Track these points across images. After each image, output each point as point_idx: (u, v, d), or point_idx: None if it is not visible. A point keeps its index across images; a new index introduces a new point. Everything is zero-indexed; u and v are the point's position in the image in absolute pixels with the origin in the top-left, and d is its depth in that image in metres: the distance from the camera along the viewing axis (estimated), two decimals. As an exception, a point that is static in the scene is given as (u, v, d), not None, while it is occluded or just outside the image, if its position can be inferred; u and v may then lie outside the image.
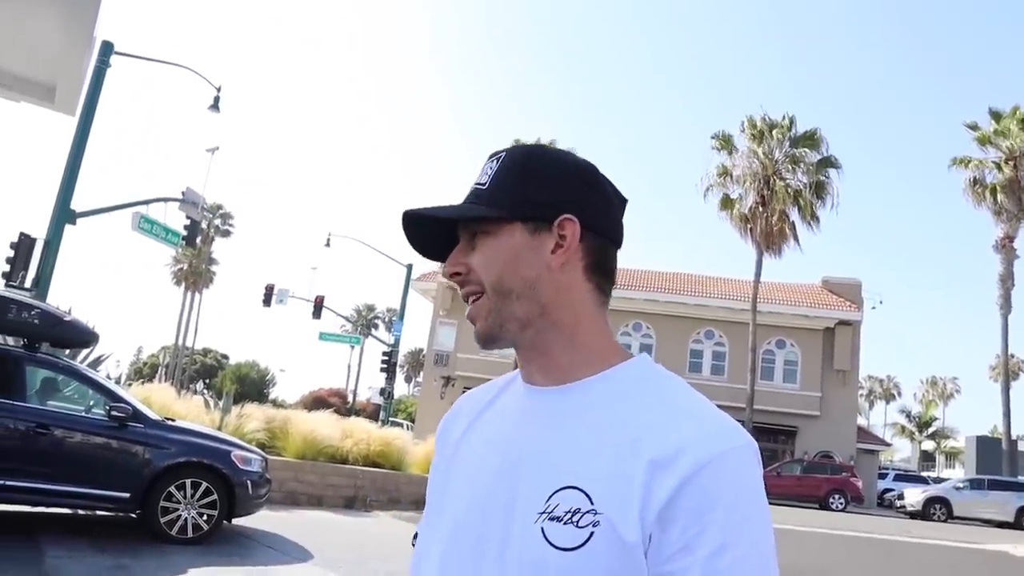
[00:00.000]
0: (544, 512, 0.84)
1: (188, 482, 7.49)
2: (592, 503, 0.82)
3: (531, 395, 0.95)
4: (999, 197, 29.63)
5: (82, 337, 8.43)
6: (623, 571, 0.80)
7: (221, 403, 11.88)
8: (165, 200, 19.49)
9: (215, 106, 20.46)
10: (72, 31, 7.07)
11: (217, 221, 55.06)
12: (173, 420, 8.23)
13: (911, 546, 14.67)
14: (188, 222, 20.30)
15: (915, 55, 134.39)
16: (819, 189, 28.67)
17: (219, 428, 10.50)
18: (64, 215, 14.89)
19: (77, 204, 15.37)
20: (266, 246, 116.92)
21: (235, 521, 8.17)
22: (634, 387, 0.90)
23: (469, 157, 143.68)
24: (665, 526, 0.79)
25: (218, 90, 20.30)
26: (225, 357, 68.46)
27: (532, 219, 0.92)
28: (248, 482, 7.85)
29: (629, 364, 0.93)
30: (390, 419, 30.19)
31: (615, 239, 0.97)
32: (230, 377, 60.07)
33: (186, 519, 7.43)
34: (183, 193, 19.82)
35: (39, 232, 15.08)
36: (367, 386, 69.25)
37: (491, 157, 0.99)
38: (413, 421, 41.24)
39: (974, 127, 30.80)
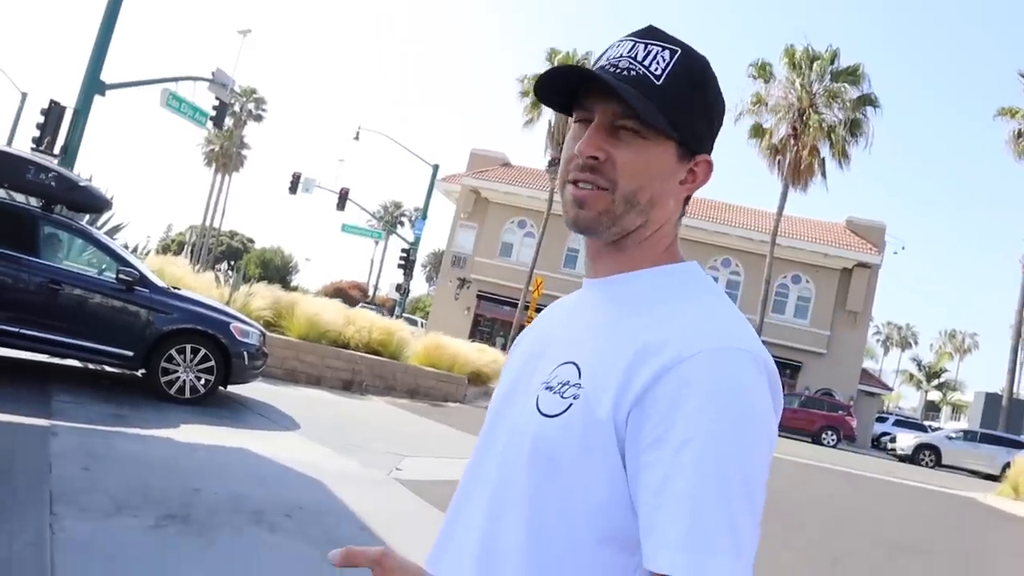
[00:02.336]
0: (545, 382, 0.89)
1: (188, 347, 7.98)
2: (580, 377, 0.86)
3: (586, 288, 0.99)
4: (1042, 152, 28.88)
5: (96, 203, 8.81)
6: (590, 444, 0.82)
7: (231, 280, 12.35)
8: (195, 79, 19.61)
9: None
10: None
11: (251, 105, 54.99)
12: (179, 289, 8.68)
13: (881, 483, 15.15)
14: (217, 103, 20.51)
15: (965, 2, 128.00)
16: (854, 127, 28.08)
17: (227, 303, 10.99)
18: (93, 85, 15.15)
19: (108, 76, 15.63)
20: (297, 134, 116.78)
21: (232, 388, 8.71)
22: (667, 286, 0.92)
23: (502, 56, 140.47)
24: (643, 415, 0.79)
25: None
26: (251, 241, 69.57)
27: (685, 145, 0.93)
28: (245, 353, 8.33)
29: (676, 266, 0.95)
30: (404, 315, 30.85)
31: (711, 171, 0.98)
32: (254, 261, 61.21)
33: (184, 381, 7.96)
34: (213, 74, 19.93)
35: (70, 102, 15.43)
36: (388, 282, 70.22)
37: (655, 37, 0.94)
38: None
39: (1026, 77, 29.76)
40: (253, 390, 9.14)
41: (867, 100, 28.31)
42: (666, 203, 0.94)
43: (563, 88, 0.95)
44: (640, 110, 0.88)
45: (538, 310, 30.86)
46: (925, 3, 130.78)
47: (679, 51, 0.92)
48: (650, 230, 0.94)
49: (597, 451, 0.82)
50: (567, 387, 0.86)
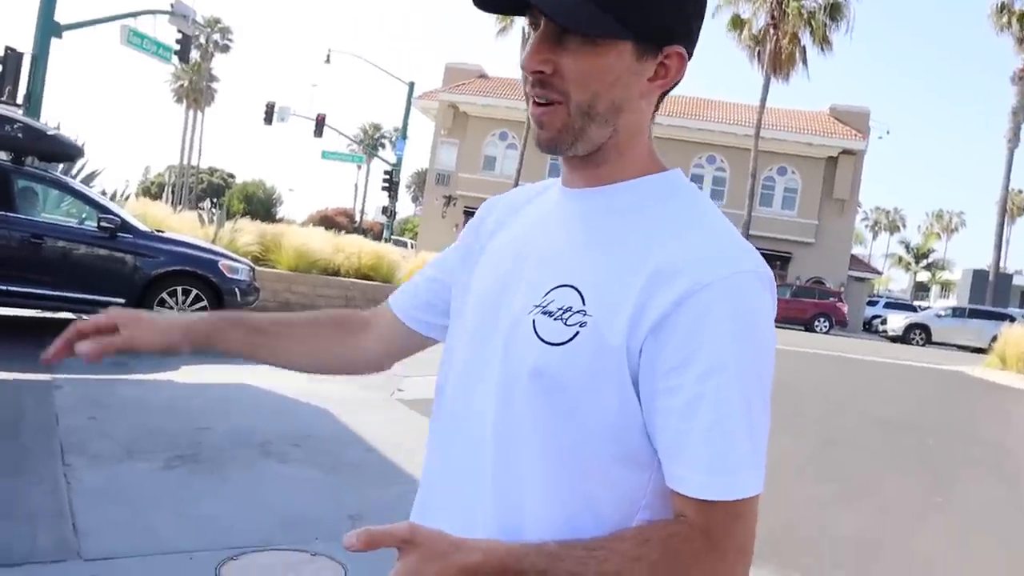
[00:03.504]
0: (539, 306, 0.85)
1: (179, 289, 8.01)
2: (584, 304, 0.82)
3: (563, 196, 0.94)
4: (1024, 24, 28.44)
5: (67, 151, 8.68)
6: (601, 372, 0.81)
7: (215, 218, 12.29)
8: (154, 13, 19.00)
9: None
10: None
11: (216, 36, 53.46)
12: (163, 232, 8.65)
13: (872, 364, 15.53)
14: (180, 36, 19.94)
15: None
16: (834, 11, 27.54)
17: (213, 241, 10.96)
18: (48, 27, 14.68)
19: (62, 17, 15.11)
20: (267, 62, 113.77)
21: (227, 326, 8.79)
22: (657, 197, 0.88)
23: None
24: (660, 341, 0.79)
25: None
26: (231, 176, 68.68)
27: (645, 40, 0.83)
28: (236, 289, 8.37)
29: (659, 176, 0.90)
30: (393, 237, 30.82)
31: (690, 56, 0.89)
32: (237, 196, 60.54)
33: (179, 323, 8.01)
34: (172, 5, 19.30)
35: (26, 48, 14.93)
36: (374, 206, 69.80)
37: None
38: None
39: (1007, -56, 29.02)
40: (249, 326, 9.22)
41: (846, -19, 27.67)
42: (634, 107, 0.87)
43: None
44: (562, 21, 0.80)
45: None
46: None
47: None
48: (624, 137, 0.88)
49: (609, 377, 0.81)
50: (570, 313, 0.83)
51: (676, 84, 0.89)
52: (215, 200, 58.04)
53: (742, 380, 0.79)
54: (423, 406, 6.67)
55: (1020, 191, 69.95)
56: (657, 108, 0.91)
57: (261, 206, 60.96)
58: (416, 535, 0.76)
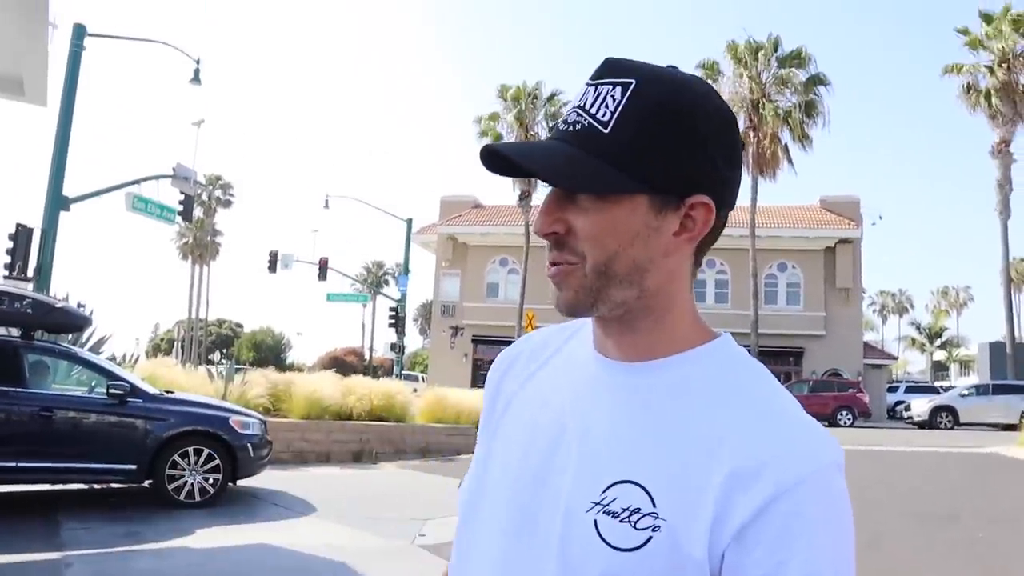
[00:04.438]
0: (599, 504, 0.75)
1: (191, 449, 7.91)
2: (654, 505, 0.73)
3: (601, 367, 0.84)
4: (993, 101, 29.26)
5: (75, 322, 8.79)
6: None
7: (224, 372, 12.30)
8: (157, 178, 19.70)
9: (196, 79, 20.54)
10: (25, 21, 7.24)
11: (217, 192, 55.21)
12: (172, 392, 8.62)
13: (903, 455, 15.09)
14: (182, 197, 20.60)
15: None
16: (809, 108, 28.46)
17: (223, 397, 10.92)
18: (57, 202, 15.16)
19: (70, 190, 15.65)
20: (269, 213, 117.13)
21: (241, 482, 8.61)
22: (714, 375, 0.79)
23: (464, 105, 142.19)
24: (746, 548, 0.71)
25: (197, 62, 20.36)
26: (239, 326, 69.38)
27: (662, 192, 0.76)
28: (248, 445, 8.26)
29: (712, 346, 0.82)
30: (403, 372, 30.76)
31: (730, 205, 0.81)
32: (246, 345, 61.00)
33: (192, 484, 7.86)
34: (174, 169, 20.03)
35: (35, 222, 15.40)
36: (383, 342, 70.05)
37: (610, 72, 0.78)
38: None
39: (964, 31, 30.29)
40: (264, 479, 9.04)
41: (817, 80, 28.74)
42: (661, 265, 0.78)
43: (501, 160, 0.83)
44: (555, 181, 0.76)
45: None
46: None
47: (633, 84, 0.76)
48: (656, 300, 0.80)
49: None
50: (639, 516, 0.73)
51: (712, 238, 0.81)
52: (224, 351, 58.38)
53: None
54: (445, 551, 6.44)
55: (1022, 259, 70.27)
56: (698, 264, 0.83)
57: (271, 352, 61.27)
58: None
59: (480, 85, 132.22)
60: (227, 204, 56.73)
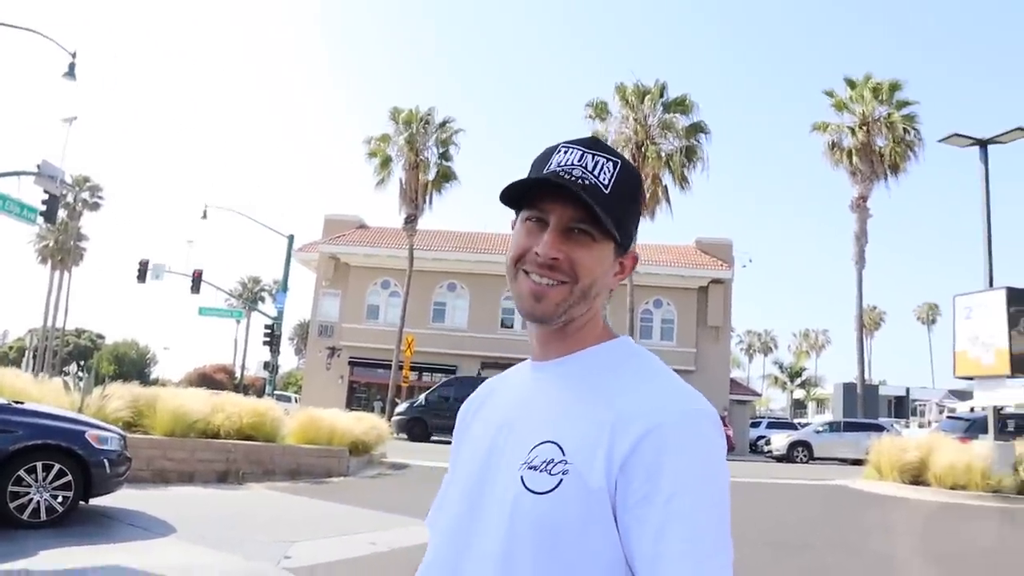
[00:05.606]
0: (525, 463, 0.98)
1: (39, 464, 7.37)
2: (564, 454, 0.96)
3: (535, 369, 1.12)
4: (854, 159, 31.46)
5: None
6: (587, 512, 0.93)
7: (81, 384, 11.55)
8: (18, 174, 18.52)
9: (71, 73, 19.51)
10: None
11: (85, 194, 52.24)
12: (22, 403, 8.04)
13: (761, 486, 15.83)
14: (46, 196, 19.39)
15: (780, 27, 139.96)
16: (690, 153, 29.74)
17: (79, 410, 10.27)
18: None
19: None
20: (141, 220, 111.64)
21: (95, 501, 8.09)
22: (614, 360, 1.06)
23: (349, 123, 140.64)
24: (627, 477, 0.92)
25: (73, 56, 19.37)
26: (101, 337, 65.49)
27: (622, 243, 1.08)
28: (105, 461, 7.77)
29: (616, 342, 1.10)
30: (276, 392, 29.82)
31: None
32: (107, 357, 57.59)
33: (38, 502, 7.32)
34: (38, 167, 18.87)
35: None
36: (256, 360, 67.72)
37: (601, 148, 1.08)
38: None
39: (831, 94, 32.50)
40: (120, 498, 8.51)
41: (698, 127, 30.10)
42: (604, 294, 1.09)
43: (516, 191, 1.07)
44: (602, 219, 1.02)
45: (412, 369, 30.63)
46: (739, 36, 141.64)
47: (620, 163, 1.07)
48: (591, 315, 1.09)
49: (595, 519, 0.93)
50: (553, 464, 0.96)
51: (625, 278, 1.13)
52: (82, 363, 54.91)
53: (703, 503, 0.91)
54: (314, 573, 6.27)
55: (874, 307, 75.44)
56: (610, 296, 1.14)
57: (134, 367, 58.11)
58: None
59: (367, 105, 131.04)
60: (95, 207, 53.75)
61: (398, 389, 29.68)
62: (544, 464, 0.97)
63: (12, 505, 7.20)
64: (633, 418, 0.95)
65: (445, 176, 31.45)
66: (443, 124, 31.68)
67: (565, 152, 1.06)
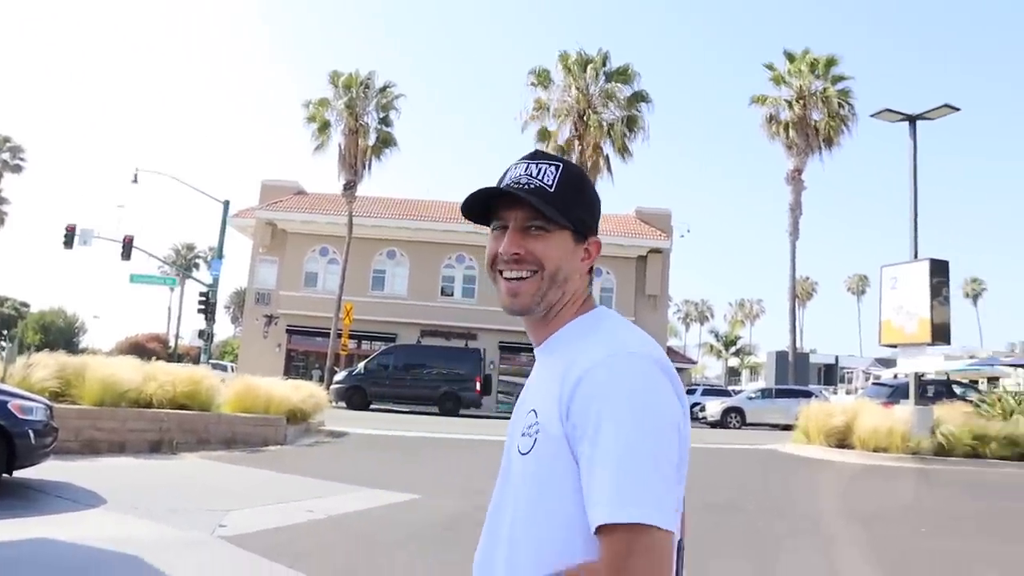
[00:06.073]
0: (521, 431, 1.18)
1: (-41, 436, 7.12)
2: (537, 417, 1.15)
3: (536, 356, 1.30)
4: (790, 133, 32.00)
5: None
6: (557, 462, 1.10)
7: (4, 354, 11.14)
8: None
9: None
10: None
11: (5, 155, 50.01)
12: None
13: (695, 451, 16.23)
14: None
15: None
16: (631, 123, 29.94)
17: (2, 380, 9.92)
18: None
19: None
20: (68, 184, 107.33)
21: (19, 473, 7.85)
22: (582, 329, 1.22)
23: (288, 90, 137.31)
24: (571, 421, 1.09)
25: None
26: (25, 305, 63.16)
27: (578, 232, 1.25)
28: (30, 431, 7.56)
29: (586, 315, 1.26)
30: (212, 361, 29.29)
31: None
32: (32, 327, 55.64)
33: (-41, 474, 7.08)
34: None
35: None
36: (191, 329, 66.33)
37: (543, 157, 1.27)
38: (238, 362, 40.01)
39: (771, 67, 32.87)
40: (46, 470, 8.29)
41: (640, 97, 30.27)
42: (575, 277, 1.25)
43: (479, 207, 1.27)
44: (546, 212, 1.20)
45: (351, 337, 30.35)
46: (682, 5, 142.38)
47: (561, 165, 1.25)
48: (566, 299, 1.25)
49: (565, 465, 1.09)
50: (532, 427, 1.15)
51: (596, 260, 1.29)
52: (4, 332, 52.94)
53: (628, 431, 1.04)
54: (248, 540, 6.21)
55: (807, 278, 77.54)
56: (591, 280, 1.30)
57: (61, 335, 56.30)
58: None
59: (306, 70, 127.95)
60: (16, 169, 51.54)
61: (337, 357, 29.43)
62: (527, 428, 1.16)
63: (-70, 478, 6.95)
64: (573, 368, 1.11)
65: (385, 142, 31.03)
66: (383, 89, 31.18)
67: (515, 167, 1.26)
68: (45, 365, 11.40)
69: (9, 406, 7.48)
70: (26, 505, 7.23)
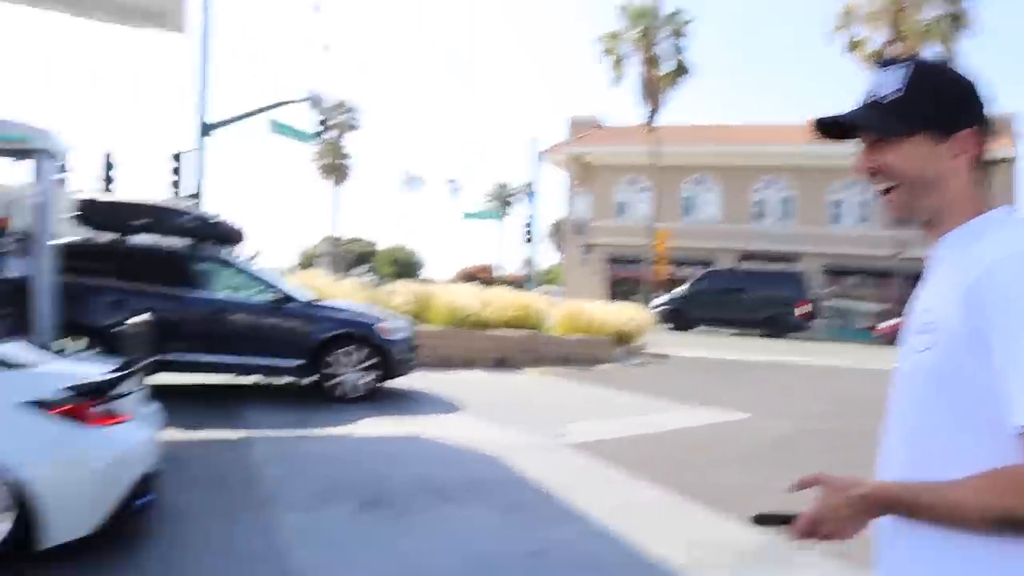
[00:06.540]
0: (917, 330, 1.19)
1: (348, 349, 8.45)
2: (934, 315, 1.14)
3: (932, 260, 1.28)
4: None
5: (232, 235, 9.46)
6: (956, 356, 1.09)
7: (372, 282, 12.92)
8: (290, 103, 20.43)
9: (316, 7, 21.17)
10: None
11: (343, 117, 56.51)
12: (321, 300, 9.20)
13: None
14: (322, 118, 21.51)
15: None
16: (956, 20, 26.06)
17: (372, 304, 11.53)
18: (202, 129, 16.37)
19: (214, 117, 16.86)
20: (395, 136, 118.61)
21: (391, 383, 9.13)
22: (977, 230, 1.18)
23: (571, 27, 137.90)
24: (974, 316, 1.07)
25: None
26: (373, 244, 71.76)
27: (938, 131, 1.18)
28: (398, 348, 8.76)
29: (980, 218, 1.20)
30: (543, 286, 31.30)
31: (991, 134, 1.24)
32: (385, 261, 63.28)
33: (350, 381, 8.44)
34: (309, 95, 20.87)
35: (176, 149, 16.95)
36: (511, 260, 70.94)
37: (893, 63, 1.24)
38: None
39: None
40: (413, 380, 9.52)
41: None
42: (948, 179, 1.19)
43: (836, 129, 1.28)
44: (874, 124, 1.21)
45: (669, 263, 30.54)
46: None
47: (912, 65, 1.21)
48: (952, 202, 1.20)
49: (966, 361, 1.08)
50: (929, 325, 1.14)
51: (985, 154, 1.22)
52: (368, 266, 60.85)
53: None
54: (589, 448, 6.70)
55: None
56: (984, 173, 1.23)
57: (407, 268, 63.30)
58: (822, 478, 1.20)
59: (596, 5, 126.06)
60: (352, 128, 58.06)
61: (655, 283, 29.86)
62: (924, 326, 1.16)
63: (330, 384, 8.39)
64: (976, 264, 1.09)
65: (679, 69, 30.36)
66: (672, 16, 30.35)
67: (870, 78, 1.25)
68: (401, 293, 13.06)
69: (379, 327, 8.72)
70: (402, 408, 8.44)
